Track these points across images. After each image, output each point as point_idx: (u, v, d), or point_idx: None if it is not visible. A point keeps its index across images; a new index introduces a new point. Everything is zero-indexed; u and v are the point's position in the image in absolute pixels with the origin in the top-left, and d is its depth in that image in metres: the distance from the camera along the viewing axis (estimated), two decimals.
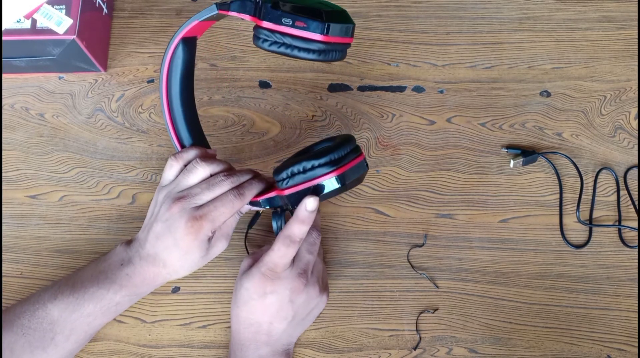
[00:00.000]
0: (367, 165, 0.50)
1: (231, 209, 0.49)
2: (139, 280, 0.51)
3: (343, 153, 0.48)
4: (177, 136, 0.54)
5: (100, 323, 0.52)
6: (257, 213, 0.59)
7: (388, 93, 0.65)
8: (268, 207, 0.52)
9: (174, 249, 0.49)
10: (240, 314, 0.51)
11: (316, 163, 0.47)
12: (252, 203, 0.52)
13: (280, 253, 0.49)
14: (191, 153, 0.52)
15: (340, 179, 0.47)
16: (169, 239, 0.49)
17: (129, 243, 0.52)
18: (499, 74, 0.65)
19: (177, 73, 0.51)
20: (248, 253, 0.59)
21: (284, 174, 0.48)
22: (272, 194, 0.50)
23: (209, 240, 0.50)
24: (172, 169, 0.52)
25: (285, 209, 0.52)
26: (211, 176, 0.51)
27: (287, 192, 0.49)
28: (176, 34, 0.50)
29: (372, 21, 0.68)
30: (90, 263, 0.53)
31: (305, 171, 0.47)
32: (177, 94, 0.52)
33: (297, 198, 0.48)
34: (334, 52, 0.44)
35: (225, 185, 0.50)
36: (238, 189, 0.50)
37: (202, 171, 0.50)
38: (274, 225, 0.52)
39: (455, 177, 0.62)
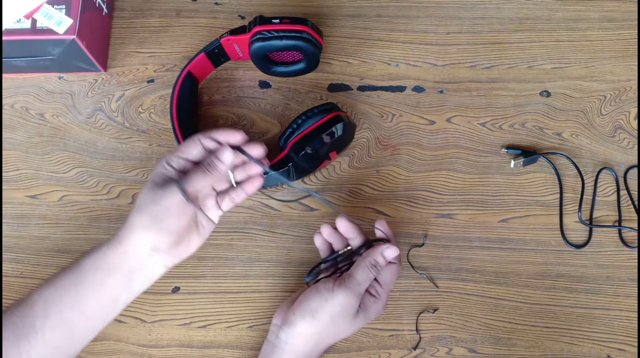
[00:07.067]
0: (353, 122, 0.59)
1: (194, 147, 0.49)
2: (121, 251, 0.48)
3: (332, 105, 0.57)
4: (182, 135, 0.60)
5: (92, 312, 0.48)
6: (318, 264, 0.55)
7: (388, 93, 0.65)
8: (272, 169, 0.56)
9: (145, 190, 0.48)
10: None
11: (314, 110, 0.56)
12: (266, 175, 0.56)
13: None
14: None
15: (337, 118, 0.55)
16: (142, 190, 0.48)
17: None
18: (499, 74, 0.65)
19: (185, 95, 0.62)
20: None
21: (289, 130, 0.56)
22: (281, 156, 0.57)
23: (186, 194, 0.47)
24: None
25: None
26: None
27: (292, 143, 0.56)
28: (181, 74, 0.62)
29: (372, 21, 0.68)
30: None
31: (307, 117, 0.56)
32: (184, 107, 0.62)
33: (300, 143, 0.55)
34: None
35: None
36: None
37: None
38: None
39: (455, 177, 0.62)
